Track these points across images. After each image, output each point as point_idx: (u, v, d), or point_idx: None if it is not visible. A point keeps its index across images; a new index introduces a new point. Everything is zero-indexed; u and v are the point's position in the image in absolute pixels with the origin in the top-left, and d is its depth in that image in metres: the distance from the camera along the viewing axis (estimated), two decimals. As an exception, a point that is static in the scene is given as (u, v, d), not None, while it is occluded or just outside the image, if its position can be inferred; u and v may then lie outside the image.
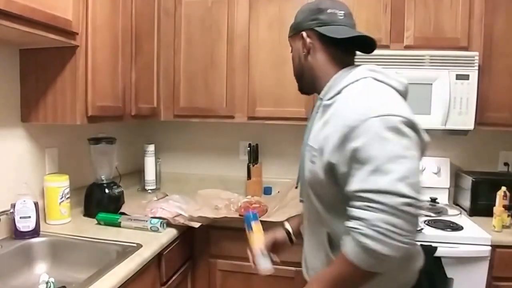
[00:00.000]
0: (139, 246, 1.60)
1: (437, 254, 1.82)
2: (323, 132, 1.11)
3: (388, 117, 1.00)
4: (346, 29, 1.18)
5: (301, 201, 1.31)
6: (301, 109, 2.29)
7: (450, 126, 2.13)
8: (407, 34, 2.21)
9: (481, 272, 1.86)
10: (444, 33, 2.19)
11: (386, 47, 2.21)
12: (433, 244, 1.84)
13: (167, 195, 2.29)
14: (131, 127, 2.71)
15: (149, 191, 2.57)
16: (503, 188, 2.02)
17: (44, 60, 1.69)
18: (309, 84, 1.27)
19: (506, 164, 2.46)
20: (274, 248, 1.44)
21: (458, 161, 2.54)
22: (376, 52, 2.12)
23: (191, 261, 2.08)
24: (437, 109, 2.13)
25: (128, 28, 2.00)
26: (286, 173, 2.62)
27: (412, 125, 1.03)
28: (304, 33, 1.22)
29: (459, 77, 2.12)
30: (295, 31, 1.27)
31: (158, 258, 1.68)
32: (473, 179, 2.24)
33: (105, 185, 2.05)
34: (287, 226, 1.49)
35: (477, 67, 2.10)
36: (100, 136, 2.06)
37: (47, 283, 1.40)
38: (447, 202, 2.42)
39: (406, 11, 2.20)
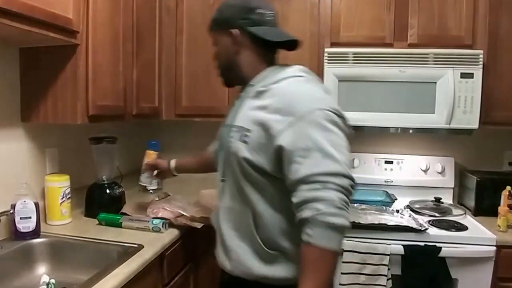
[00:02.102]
0: (140, 246, 1.58)
1: (441, 254, 1.82)
2: (260, 115, 1.18)
3: (330, 111, 1.13)
4: (276, 30, 1.29)
5: (222, 180, 1.33)
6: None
7: (454, 125, 2.12)
8: (411, 32, 2.19)
9: (486, 273, 1.84)
10: (448, 31, 2.17)
11: (390, 45, 2.20)
12: (438, 245, 1.83)
13: (169, 195, 2.28)
14: (132, 127, 2.70)
15: (151, 191, 2.55)
16: (508, 188, 2.01)
17: (44, 59, 1.67)
18: (234, 77, 1.36)
19: (511, 163, 2.44)
20: (155, 170, 1.98)
21: (463, 161, 2.53)
22: (380, 50, 2.15)
23: (194, 262, 2.06)
24: (441, 108, 2.12)
25: (129, 26, 1.98)
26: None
27: (345, 121, 1.18)
28: (234, 31, 1.28)
29: (463, 75, 2.10)
30: (222, 27, 1.31)
31: (160, 259, 1.66)
32: (478, 179, 2.23)
33: (106, 185, 2.03)
34: (172, 162, 1.92)
35: (481, 66, 2.09)
36: (101, 136, 2.05)
37: (47, 284, 1.39)
38: (451, 202, 2.41)
39: (410, 9, 2.19)
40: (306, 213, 1.04)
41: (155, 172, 2.01)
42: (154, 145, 2.34)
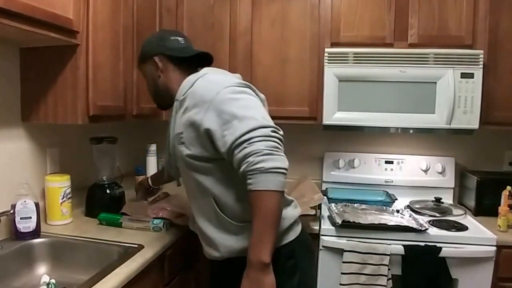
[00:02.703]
0: (141, 247, 1.58)
1: (441, 254, 1.81)
2: (186, 117, 1.35)
3: (234, 86, 1.31)
4: (189, 48, 1.53)
5: (179, 185, 1.63)
6: (304, 108, 2.29)
7: (454, 125, 2.11)
8: (411, 32, 2.19)
9: (486, 273, 1.84)
10: (449, 31, 2.17)
11: (390, 45, 2.20)
12: (438, 245, 1.83)
13: (169, 195, 2.28)
14: (132, 127, 2.69)
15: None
16: (508, 188, 2.01)
17: (45, 59, 1.67)
18: (166, 98, 1.52)
19: (511, 163, 2.44)
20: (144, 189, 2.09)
21: (463, 161, 2.53)
22: (380, 50, 2.15)
23: (195, 263, 2.06)
24: (441, 108, 2.11)
25: (129, 26, 1.98)
26: (290, 172, 2.56)
27: (252, 89, 1.37)
28: (155, 58, 1.49)
29: (463, 75, 2.10)
30: (146, 59, 1.54)
31: (160, 259, 1.66)
32: (478, 179, 2.23)
33: (106, 185, 2.03)
34: (148, 178, 2.08)
35: (482, 66, 2.08)
36: (102, 136, 2.05)
37: (48, 284, 1.39)
38: (451, 202, 2.41)
39: (410, 9, 2.18)
40: (242, 168, 1.19)
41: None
42: (140, 171, 2.47)
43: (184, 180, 1.53)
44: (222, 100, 1.26)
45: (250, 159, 1.17)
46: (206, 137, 1.30)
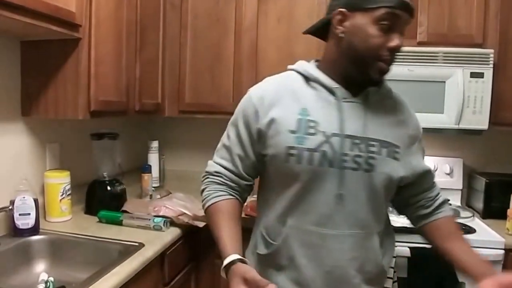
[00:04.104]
0: (141, 245, 1.56)
1: (449, 257, 1.78)
2: (401, 131, 1.17)
3: None
4: None
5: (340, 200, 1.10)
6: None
7: (463, 125, 2.08)
8: (420, 30, 2.15)
9: (494, 277, 1.80)
10: (458, 29, 2.13)
11: (399, 43, 2.16)
12: (445, 248, 1.79)
13: (170, 193, 2.26)
14: (134, 123, 2.68)
15: (153, 188, 2.53)
16: (518, 190, 1.97)
17: (46, 53, 1.65)
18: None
19: (520, 165, 2.41)
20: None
21: (472, 162, 2.49)
22: (388, 48, 2.10)
23: (195, 262, 2.05)
24: (450, 107, 2.08)
25: (133, 21, 1.95)
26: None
27: None
28: None
29: (473, 75, 2.06)
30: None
31: (161, 258, 1.65)
32: (487, 181, 2.19)
33: (107, 182, 2.01)
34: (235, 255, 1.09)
35: (492, 65, 2.05)
36: (103, 132, 2.03)
37: (46, 282, 1.37)
38: (459, 204, 2.37)
39: (420, 6, 2.14)
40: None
41: None
42: (147, 168, 2.36)
43: (357, 200, 1.12)
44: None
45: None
46: (408, 167, 1.19)
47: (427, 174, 1.24)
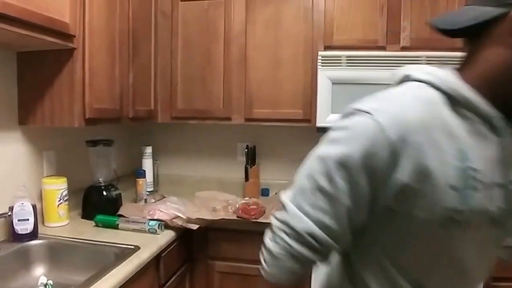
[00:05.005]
0: (137, 248, 1.60)
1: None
2: None
3: None
4: None
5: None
6: (298, 110, 2.31)
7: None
8: (403, 35, 2.21)
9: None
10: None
11: (383, 48, 2.22)
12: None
13: (164, 197, 2.29)
14: (128, 130, 2.71)
15: (147, 193, 2.57)
16: None
17: (42, 63, 1.69)
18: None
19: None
20: None
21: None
22: (372, 53, 2.17)
23: (189, 263, 2.08)
24: (433, 109, 2.13)
25: (125, 30, 2.00)
26: (283, 174, 2.62)
27: None
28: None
29: (455, 78, 2.11)
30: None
31: (156, 260, 1.68)
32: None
33: (103, 187, 2.05)
34: None
35: (473, 68, 2.10)
36: (98, 139, 2.06)
37: (45, 285, 1.40)
38: None
39: (403, 12, 2.20)
40: None
41: None
42: (141, 173, 2.35)
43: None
44: None
45: None
46: None
47: None
